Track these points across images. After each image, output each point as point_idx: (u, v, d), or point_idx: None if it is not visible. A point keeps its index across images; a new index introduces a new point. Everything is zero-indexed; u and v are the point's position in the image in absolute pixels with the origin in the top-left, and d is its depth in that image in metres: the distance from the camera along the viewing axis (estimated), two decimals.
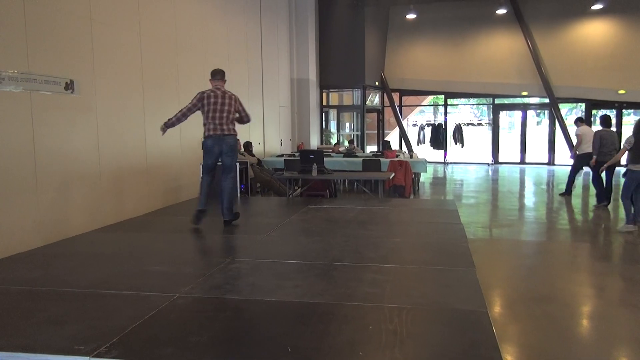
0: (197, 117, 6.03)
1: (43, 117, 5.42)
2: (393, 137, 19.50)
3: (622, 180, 7.25)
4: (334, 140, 16.72)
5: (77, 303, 3.44)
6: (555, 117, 16.79)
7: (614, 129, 9.52)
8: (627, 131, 16.96)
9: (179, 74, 8.20)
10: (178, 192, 8.18)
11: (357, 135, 16.62)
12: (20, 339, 2.86)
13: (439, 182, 13.82)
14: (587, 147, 9.90)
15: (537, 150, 18.29)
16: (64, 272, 4.27)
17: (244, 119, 6.03)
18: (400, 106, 18.69)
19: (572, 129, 16.51)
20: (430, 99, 21.44)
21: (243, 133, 10.70)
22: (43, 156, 5.42)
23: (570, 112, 22.62)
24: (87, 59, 6.12)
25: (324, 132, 16.64)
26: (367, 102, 16.63)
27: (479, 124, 20.17)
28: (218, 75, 5.93)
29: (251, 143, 10.78)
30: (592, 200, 10.08)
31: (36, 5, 5.32)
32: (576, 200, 10.44)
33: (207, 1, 9.22)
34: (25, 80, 5.17)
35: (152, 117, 7.44)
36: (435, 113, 20.91)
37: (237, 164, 7.87)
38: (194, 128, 8.67)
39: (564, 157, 16.98)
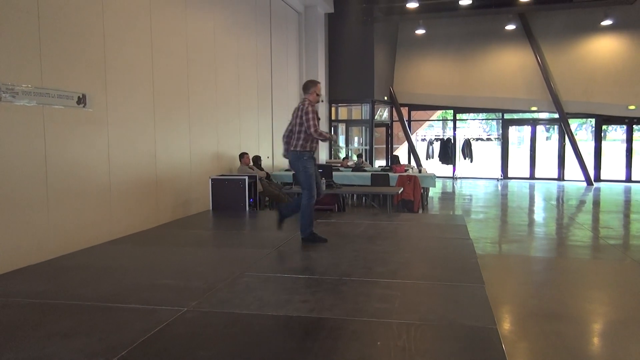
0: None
1: (55, 130, 5.48)
2: (402, 152, 19.50)
3: None
4: (342, 155, 16.74)
5: (86, 316, 3.46)
6: (565, 132, 16.72)
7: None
8: (638, 147, 16.90)
9: (189, 89, 8.28)
10: (187, 206, 8.22)
11: (366, 149, 16.63)
12: (29, 352, 2.88)
13: (448, 197, 13.78)
14: None
15: (547, 165, 18.20)
16: (74, 284, 4.30)
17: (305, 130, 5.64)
18: (409, 121, 18.71)
19: (583, 145, 16.46)
20: (439, 113, 21.44)
21: (252, 147, 10.77)
22: (54, 169, 5.48)
23: (580, 128, 22.55)
24: (99, 73, 6.20)
25: (333, 147, 16.67)
26: (375, 117, 16.66)
27: (488, 139, 20.13)
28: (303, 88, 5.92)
29: (260, 157, 10.82)
30: (604, 215, 10.01)
31: (50, 20, 5.41)
32: (586, 217, 10.36)
33: (218, 18, 9.34)
34: (39, 95, 5.24)
35: (162, 131, 7.51)
36: (444, 128, 20.89)
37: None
38: (202, 140, 8.75)
39: (574, 173, 16.89)
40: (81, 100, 5.86)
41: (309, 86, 5.79)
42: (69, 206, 5.71)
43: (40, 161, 5.31)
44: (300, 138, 5.67)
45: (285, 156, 6.02)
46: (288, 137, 5.87)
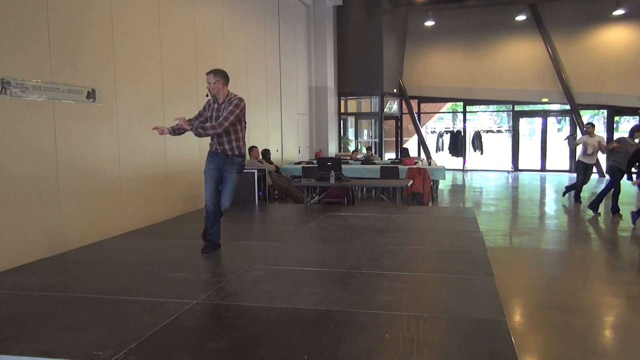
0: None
1: (65, 125, 5.52)
2: (411, 144, 19.42)
3: None
4: (352, 148, 16.71)
5: (97, 309, 3.49)
6: (576, 124, 16.54)
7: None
8: None
9: (198, 82, 8.28)
10: (197, 199, 8.25)
11: (375, 142, 16.58)
12: (40, 344, 2.91)
13: (458, 190, 13.71)
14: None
15: (558, 157, 18.04)
16: (84, 278, 4.33)
17: None
18: (419, 113, 18.62)
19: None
20: (448, 105, 21.32)
21: (261, 141, 10.77)
22: (65, 164, 5.52)
23: (592, 119, 22.33)
24: (109, 68, 6.22)
25: (342, 140, 16.63)
26: (385, 109, 16.60)
27: (499, 131, 19.99)
28: None
29: (269, 150, 10.83)
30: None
31: (59, 16, 5.44)
32: (599, 208, 10.26)
33: (226, 11, 9.32)
34: (49, 90, 5.28)
35: (172, 124, 7.51)
36: (454, 120, 20.78)
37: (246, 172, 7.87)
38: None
39: None
40: (91, 95, 5.89)
41: None
42: (80, 200, 5.75)
43: (51, 156, 5.35)
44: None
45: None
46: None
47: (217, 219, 5.14)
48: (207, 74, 5.01)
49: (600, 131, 18.78)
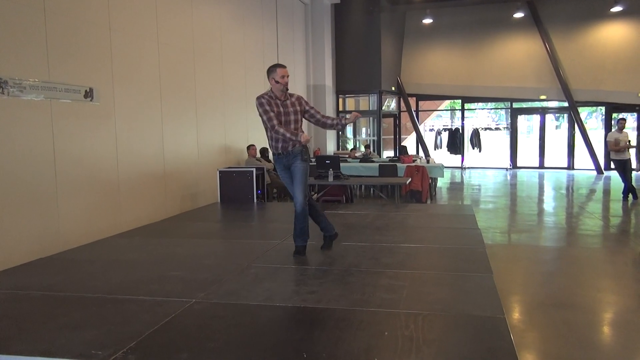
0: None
1: (63, 124, 5.51)
2: (410, 142, 19.42)
3: None
4: (350, 146, 16.70)
5: (96, 308, 3.49)
6: (575, 120, 16.56)
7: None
8: None
9: (196, 81, 8.28)
10: (195, 198, 8.25)
11: (374, 140, 16.58)
12: (39, 344, 2.90)
13: (456, 187, 13.72)
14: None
15: (556, 154, 18.04)
16: (83, 277, 4.33)
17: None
18: (417, 111, 18.61)
19: (593, 133, 16.26)
20: (447, 103, 21.30)
21: (260, 139, 10.76)
22: (63, 163, 5.51)
23: (590, 116, 22.36)
24: (106, 67, 6.21)
25: (341, 138, 16.63)
26: (383, 107, 16.59)
27: (497, 128, 19.99)
28: None
29: (267, 149, 10.81)
30: (614, 204, 9.94)
31: (56, 15, 5.42)
32: (596, 205, 10.28)
33: (224, 10, 9.31)
34: (46, 89, 5.27)
35: (169, 124, 7.52)
36: (452, 118, 20.77)
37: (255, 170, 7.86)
38: (210, 132, 8.76)
39: (584, 162, 16.74)
40: (88, 94, 5.87)
41: (268, 72, 4.88)
42: (78, 200, 5.75)
43: (49, 155, 5.34)
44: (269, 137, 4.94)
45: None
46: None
47: (319, 214, 5.06)
48: (284, 67, 4.84)
49: (599, 128, 18.85)
